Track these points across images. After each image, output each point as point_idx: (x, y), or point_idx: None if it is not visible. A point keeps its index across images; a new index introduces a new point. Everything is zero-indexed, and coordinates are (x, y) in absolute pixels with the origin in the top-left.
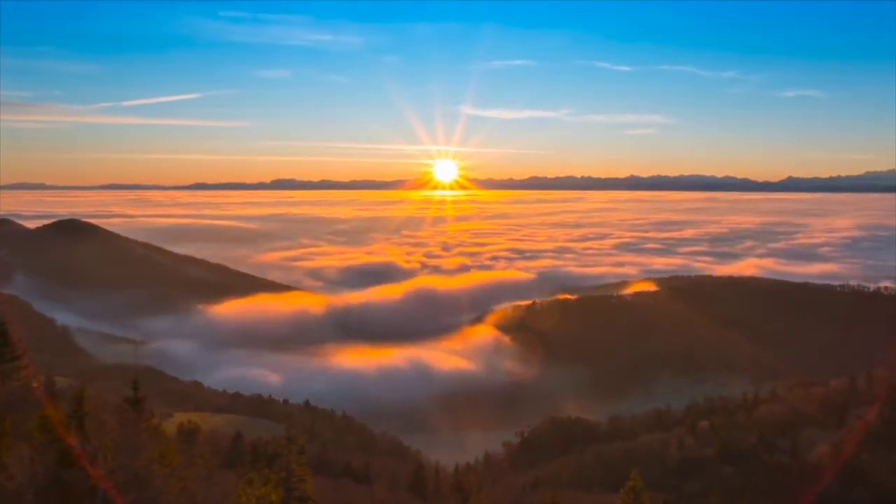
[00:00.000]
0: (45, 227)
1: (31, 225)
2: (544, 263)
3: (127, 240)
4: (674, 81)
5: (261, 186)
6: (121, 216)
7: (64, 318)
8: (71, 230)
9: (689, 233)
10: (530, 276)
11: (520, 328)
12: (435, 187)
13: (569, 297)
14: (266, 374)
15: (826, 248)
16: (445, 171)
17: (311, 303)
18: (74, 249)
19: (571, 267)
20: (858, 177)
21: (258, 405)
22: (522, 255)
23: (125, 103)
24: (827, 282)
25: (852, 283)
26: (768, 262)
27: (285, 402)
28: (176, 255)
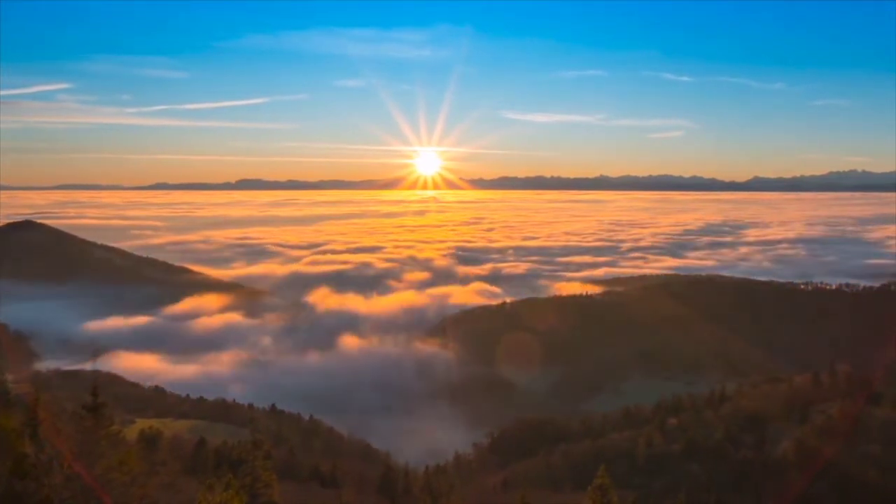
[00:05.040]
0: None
1: None
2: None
3: (85, 241)
4: (723, 90)
5: (226, 186)
6: (63, 217)
7: (18, 322)
8: (26, 231)
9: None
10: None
11: (489, 329)
12: (411, 186)
13: (538, 296)
14: (229, 376)
15: (786, 245)
16: (420, 171)
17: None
18: (29, 251)
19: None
20: (822, 176)
21: (222, 410)
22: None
23: (187, 106)
24: (790, 280)
25: (815, 280)
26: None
27: (250, 406)
28: (137, 258)
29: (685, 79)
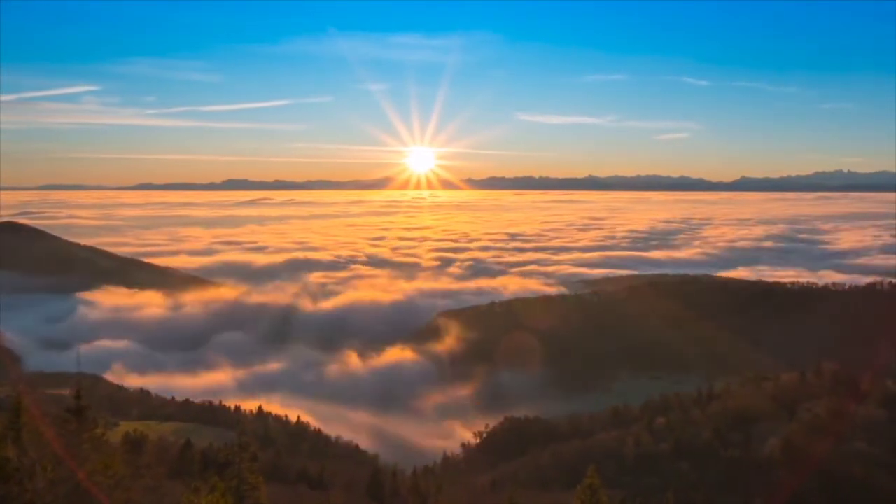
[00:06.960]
0: None
1: None
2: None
3: (69, 242)
4: (736, 94)
5: (210, 187)
6: (38, 217)
7: (0, 324)
8: (7, 232)
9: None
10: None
11: (477, 329)
12: (402, 186)
13: (526, 296)
14: (215, 376)
15: (771, 244)
16: (411, 171)
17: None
18: (11, 252)
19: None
20: (807, 176)
21: (208, 412)
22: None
23: (209, 108)
24: (777, 279)
25: (801, 280)
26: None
27: (237, 408)
28: (121, 258)
29: (703, 83)
